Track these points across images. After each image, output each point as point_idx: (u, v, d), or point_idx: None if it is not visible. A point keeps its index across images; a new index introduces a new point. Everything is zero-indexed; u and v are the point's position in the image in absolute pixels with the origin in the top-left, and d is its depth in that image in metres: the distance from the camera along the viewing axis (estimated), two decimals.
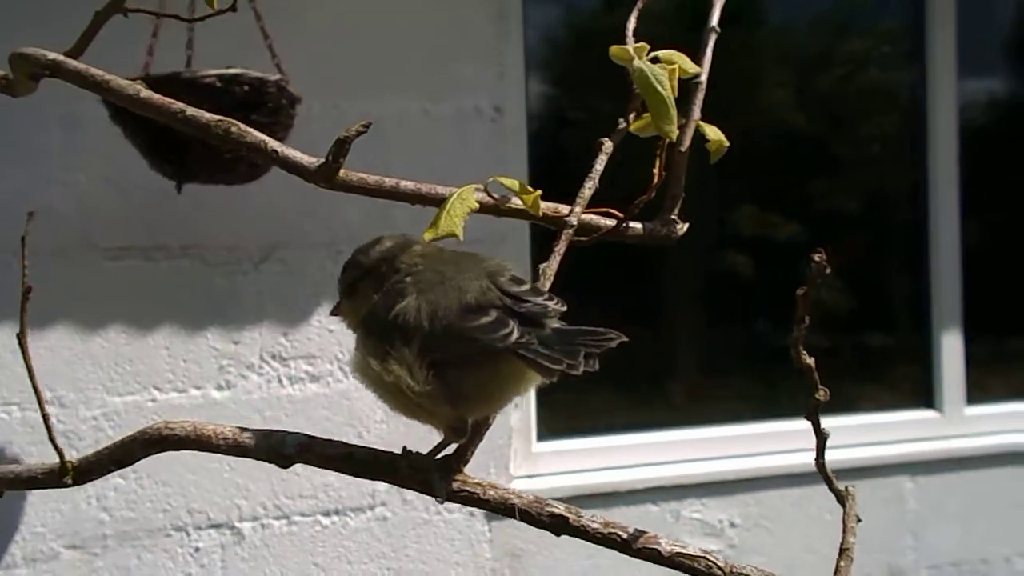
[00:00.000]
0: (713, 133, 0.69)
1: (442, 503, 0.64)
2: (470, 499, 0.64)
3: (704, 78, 0.71)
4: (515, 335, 0.58)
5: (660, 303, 2.53)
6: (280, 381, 1.92)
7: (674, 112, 0.63)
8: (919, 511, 2.41)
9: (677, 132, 0.65)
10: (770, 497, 2.27)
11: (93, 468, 0.68)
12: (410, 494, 1.99)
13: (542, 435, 2.17)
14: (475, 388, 0.61)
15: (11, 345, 1.78)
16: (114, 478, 1.82)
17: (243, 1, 1.61)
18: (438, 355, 0.60)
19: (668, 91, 0.63)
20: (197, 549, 1.88)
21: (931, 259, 2.56)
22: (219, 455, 1.78)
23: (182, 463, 1.85)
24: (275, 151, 0.68)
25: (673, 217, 0.71)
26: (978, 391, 2.58)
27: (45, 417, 0.69)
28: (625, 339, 0.57)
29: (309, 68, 1.76)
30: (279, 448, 0.66)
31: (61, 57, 0.71)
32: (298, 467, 1.90)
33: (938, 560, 2.44)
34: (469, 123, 2.05)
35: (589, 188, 0.70)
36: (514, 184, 0.68)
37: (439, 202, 0.68)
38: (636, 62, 0.64)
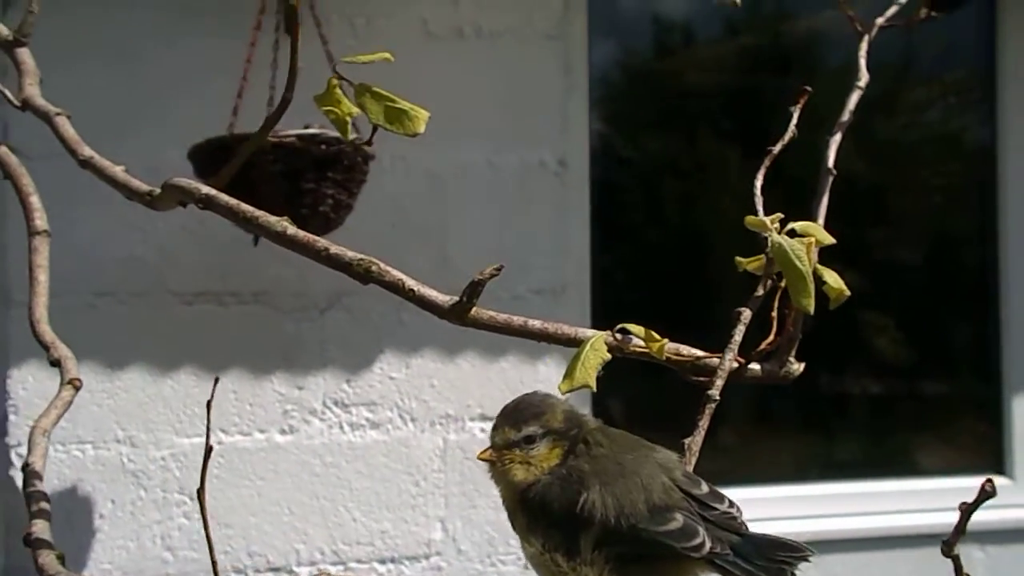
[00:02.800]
0: (833, 280, 0.68)
1: None
2: None
3: (822, 219, 0.70)
4: (708, 545, 0.57)
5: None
6: (342, 427, 1.91)
7: (812, 287, 0.63)
8: None
9: (791, 351, 0.68)
10: (828, 562, 2.18)
11: None
12: (465, 544, 1.96)
13: None
14: None
15: (88, 385, 1.81)
16: (179, 518, 1.83)
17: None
18: (620, 553, 0.57)
19: (807, 266, 0.62)
20: None
21: (1002, 314, 2.47)
22: (279, 499, 1.76)
23: (245, 506, 1.85)
24: (412, 290, 0.69)
25: (790, 359, 0.71)
26: None
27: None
28: (815, 553, 0.56)
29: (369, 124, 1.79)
30: None
31: (214, 192, 0.75)
32: (356, 513, 1.87)
33: None
34: (533, 175, 2.05)
35: (729, 360, 0.69)
36: (640, 331, 0.65)
37: (565, 341, 0.69)
38: (774, 236, 0.64)
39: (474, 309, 0.66)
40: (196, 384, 1.85)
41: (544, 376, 2.02)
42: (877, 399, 2.56)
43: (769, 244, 0.65)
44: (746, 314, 0.70)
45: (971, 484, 2.38)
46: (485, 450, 0.66)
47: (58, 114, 0.92)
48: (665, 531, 0.57)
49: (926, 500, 2.33)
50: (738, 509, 0.61)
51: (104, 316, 1.81)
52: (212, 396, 0.63)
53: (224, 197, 0.74)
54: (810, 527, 2.19)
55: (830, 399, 2.54)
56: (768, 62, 2.50)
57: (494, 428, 0.66)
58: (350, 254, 0.70)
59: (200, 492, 0.61)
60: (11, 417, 1.77)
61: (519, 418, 0.64)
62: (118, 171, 0.87)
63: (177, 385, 1.84)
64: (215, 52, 1.77)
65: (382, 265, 0.69)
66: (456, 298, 0.67)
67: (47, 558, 0.66)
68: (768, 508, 2.22)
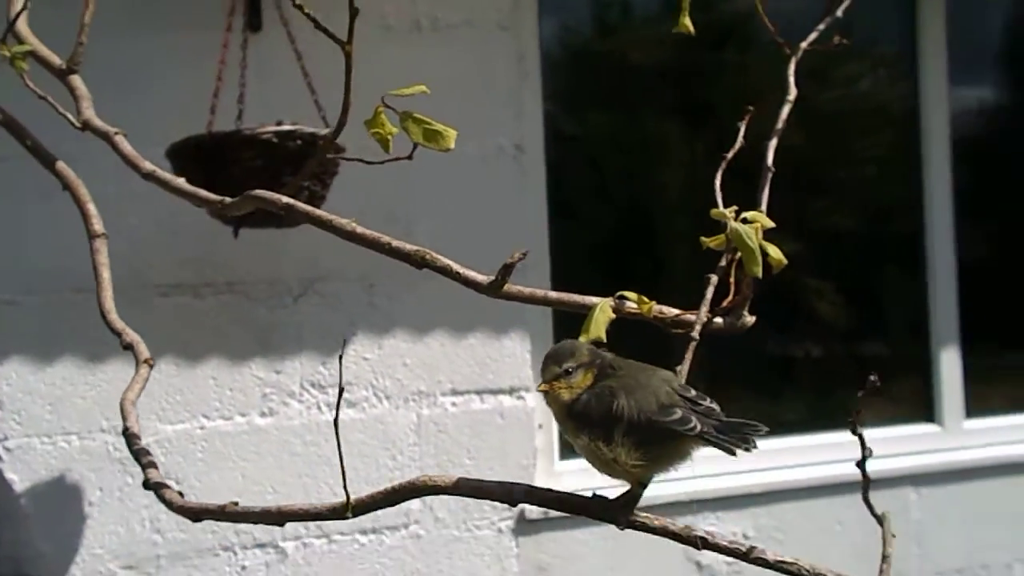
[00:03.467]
0: (775, 253, 0.88)
1: (623, 530, 0.83)
2: (643, 527, 0.83)
3: (764, 207, 0.90)
4: (699, 427, 0.79)
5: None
6: (319, 408, 2.00)
7: (760, 259, 0.83)
8: (923, 521, 2.48)
9: (744, 307, 0.89)
10: (781, 510, 2.34)
11: (367, 506, 0.85)
12: (442, 512, 2.07)
13: (564, 455, 2.24)
14: (664, 459, 0.82)
15: (71, 378, 1.86)
16: None
17: (291, 56, 1.72)
18: (643, 436, 0.80)
19: (755, 243, 0.82)
20: (244, 567, 1.95)
21: (928, 274, 2.64)
22: (262, 479, 1.84)
23: (230, 488, 1.92)
24: (458, 272, 0.91)
25: (744, 313, 0.89)
26: (977, 404, 2.65)
27: None
28: (768, 429, 0.79)
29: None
30: (511, 494, 0.83)
31: (292, 201, 0.93)
32: (337, 488, 1.97)
33: (942, 567, 2.50)
34: (491, 160, 2.14)
35: (704, 313, 0.90)
36: (634, 297, 0.87)
37: (576, 307, 0.89)
38: (732, 223, 0.83)
39: (505, 285, 0.87)
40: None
41: (509, 351, 2.12)
42: (817, 358, 2.73)
43: (728, 229, 0.84)
44: (713, 279, 0.90)
45: (906, 433, 2.56)
46: (541, 384, 0.86)
47: (116, 133, 0.99)
48: (670, 420, 0.79)
49: (872, 447, 2.50)
50: (713, 402, 0.83)
51: (83, 311, 1.85)
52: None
53: (301, 205, 0.93)
54: (762, 479, 2.35)
55: (776, 359, 2.69)
56: (708, 39, 2.61)
57: (543, 368, 0.85)
58: (408, 247, 0.89)
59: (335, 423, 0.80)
60: None
61: (559, 358, 0.84)
62: (182, 182, 0.97)
63: (158, 374, 1.88)
64: (183, 46, 1.82)
65: (433, 254, 0.90)
66: (493, 277, 0.87)
67: (171, 494, 0.78)
68: (725, 464, 2.37)
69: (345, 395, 2.01)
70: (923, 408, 2.64)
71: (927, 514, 2.49)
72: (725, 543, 0.81)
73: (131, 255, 1.87)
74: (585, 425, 0.82)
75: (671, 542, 2.35)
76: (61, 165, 1.05)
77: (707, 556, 2.25)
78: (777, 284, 2.90)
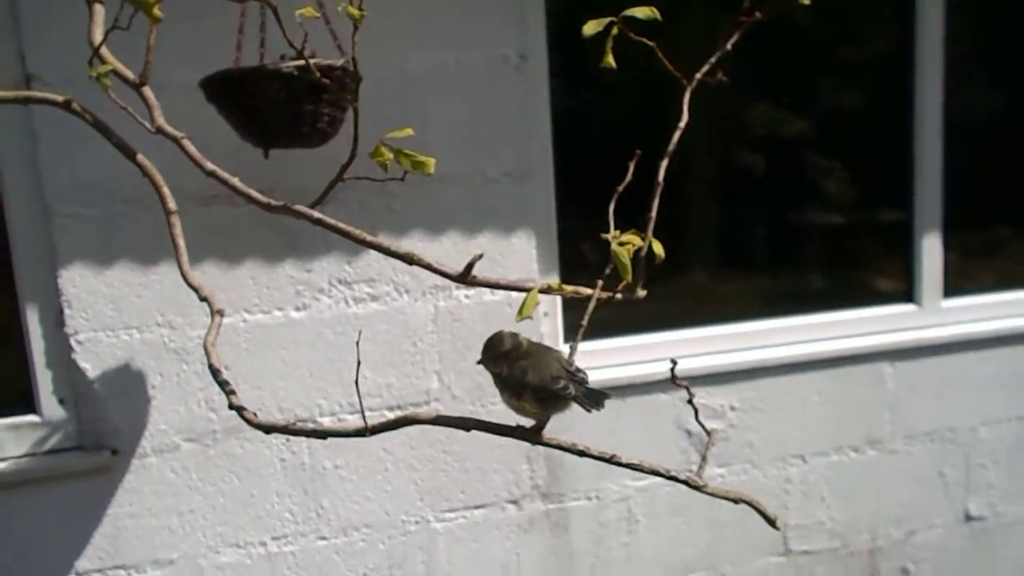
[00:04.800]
0: (658, 248, 1.17)
1: (535, 443, 1.21)
2: (548, 444, 1.21)
3: (653, 218, 1.15)
4: (572, 391, 1.17)
5: (675, 206, 2.73)
6: (347, 302, 2.22)
7: (630, 272, 1.10)
8: (897, 391, 2.71)
9: (634, 279, 1.16)
10: (764, 384, 2.58)
11: (383, 428, 1.13)
12: (458, 391, 2.32)
13: (567, 338, 2.47)
14: (552, 409, 1.20)
15: (128, 280, 2.09)
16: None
17: None
18: (541, 396, 1.19)
19: (627, 261, 1.10)
20: (288, 440, 2.23)
21: (915, 166, 2.75)
22: (300, 364, 2.09)
23: (273, 372, 2.18)
24: (430, 265, 1.20)
25: (638, 289, 1.15)
26: (955, 284, 2.82)
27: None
28: (610, 396, 1.15)
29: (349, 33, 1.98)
30: (466, 424, 1.20)
31: (321, 215, 1.31)
32: (366, 371, 2.23)
33: (912, 431, 2.75)
34: (496, 70, 2.26)
35: (598, 293, 1.20)
36: (555, 283, 1.20)
37: (521, 289, 1.22)
38: (613, 245, 1.10)
39: (471, 275, 1.14)
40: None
41: (516, 247, 2.31)
42: (804, 240, 2.86)
43: (611, 249, 1.12)
44: (599, 284, 1.21)
45: (887, 312, 2.74)
46: (479, 361, 1.27)
47: (183, 137, 1.17)
48: (556, 387, 1.17)
49: (849, 328, 2.71)
50: (585, 374, 1.22)
51: (134, 221, 2.06)
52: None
53: (331, 221, 1.22)
54: (747, 357, 2.58)
55: (763, 243, 2.85)
56: None
57: (483, 350, 1.26)
58: (401, 250, 1.20)
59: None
60: (67, 310, 2.05)
61: (494, 344, 1.25)
62: (237, 182, 1.17)
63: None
64: None
65: (418, 256, 1.18)
66: (461, 270, 1.15)
67: (248, 414, 1.03)
68: (714, 344, 2.59)
69: (369, 291, 2.23)
70: (904, 289, 2.82)
71: (901, 385, 2.71)
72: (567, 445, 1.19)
73: (173, 171, 2.05)
74: (507, 387, 1.21)
75: (663, 412, 2.62)
76: (141, 157, 1.24)
77: (695, 424, 2.51)
78: (785, 164, 2.95)
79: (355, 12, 1.04)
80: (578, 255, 2.46)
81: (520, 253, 2.33)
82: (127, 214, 2.04)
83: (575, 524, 2.48)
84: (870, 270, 2.88)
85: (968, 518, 2.85)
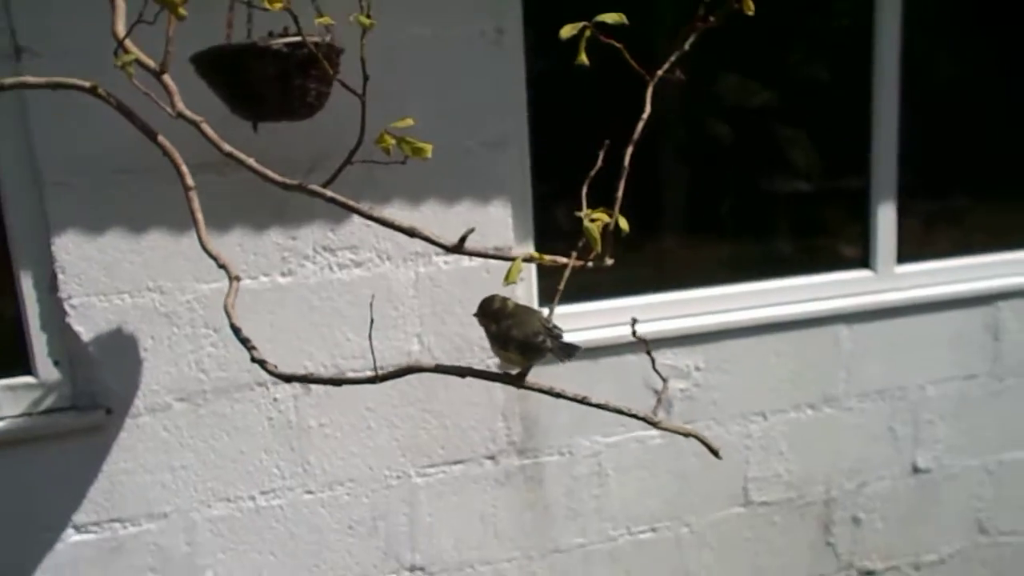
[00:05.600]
0: (624, 224, 1.30)
1: (519, 387, 1.35)
2: (529, 387, 1.39)
3: (619, 200, 1.28)
4: (549, 344, 1.35)
5: (650, 173, 2.83)
6: (331, 268, 2.31)
7: (599, 244, 1.22)
8: (852, 351, 2.86)
9: (603, 250, 1.28)
10: (727, 346, 2.72)
11: (389, 376, 1.30)
12: (437, 352, 2.42)
13: (542, 303, 2.58)
14: (534, 359, 1.38)
15: (119, 246, 2.16)
16: (208, 347, 2.25)
17: None
18: (524, 348, 1.37)
19: (597, 235, 1.20)
20: (275, 399, 2.33)
21: (872, 136, 2.88)
22: (287, 327, 2.18)
23: (261, 333, 2.25)
24: (429, 237, 1.34)
25: (606, 258, 1.28)
26: (908, 251, 2.97)
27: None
28: (580, 349, 1.33)
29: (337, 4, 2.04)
30: (462, 372, 1.37)
31: (334, 195, 1.41)
32: (350, 334, 2.33)
33: (866, 389, 2.91)
34: (474, 43, 2.34)
35: (573, 261, 1.35)
36: (537, 254, 1.36)
37: (506, 259, 1.34)
38: (585, 222, 1.23)
39: (465, 244, 1.25)
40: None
41: (493, 216, 2.41)
42: (767, 207, 2.97)
43: (583, 226, 1.24)
44: (573, 255, 1.34)
45: (844, 278, 2.88)
46: (476, 315, 1.45)
47: (202, 121, 1.26)
48: (536, 340, 1.35)
49: (808, 292, 2.85)
50: (561, 331, 1.40)
51: (124, 189, 2.12)
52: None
53: (342, 199, 1.34)
54: (712, 320, 2.71)
55: (728, 211, 2.96)
56: None
57: (479, 308, 1.44)
58: (405, 224, 1.34)
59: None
60: (60, 276, 2.12)
61: (483, 309, 1.43)
62: (253, 162, 1.27)
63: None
64: None
65: (420, 229, 1.31)
66: (457, 241, 1.27)
67: (270, 365, 1.14)
68: (681, 308, 2.72)
69: (352, 257, 2.32)
70: (859, 255, 2.97)
71: (856, 346, 2.86)
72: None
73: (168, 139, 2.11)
74: (496, 341, 1.36)
75: (632, 372, 2.75)
76: (162, 138, 1.33)
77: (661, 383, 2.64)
78: (751, 134, 3.05)
79: (365, 21, 1.14)
80: (551, 222, 2.56)
81: (496, 221, 2.42)
82: (118, 183, 2.11)
83: (549, 478, 2.61)
84: (829, 236, 3.01)
85: (916, 470, 3.03)
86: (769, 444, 2.84)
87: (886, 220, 2.91)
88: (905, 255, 2.96)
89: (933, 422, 3.01)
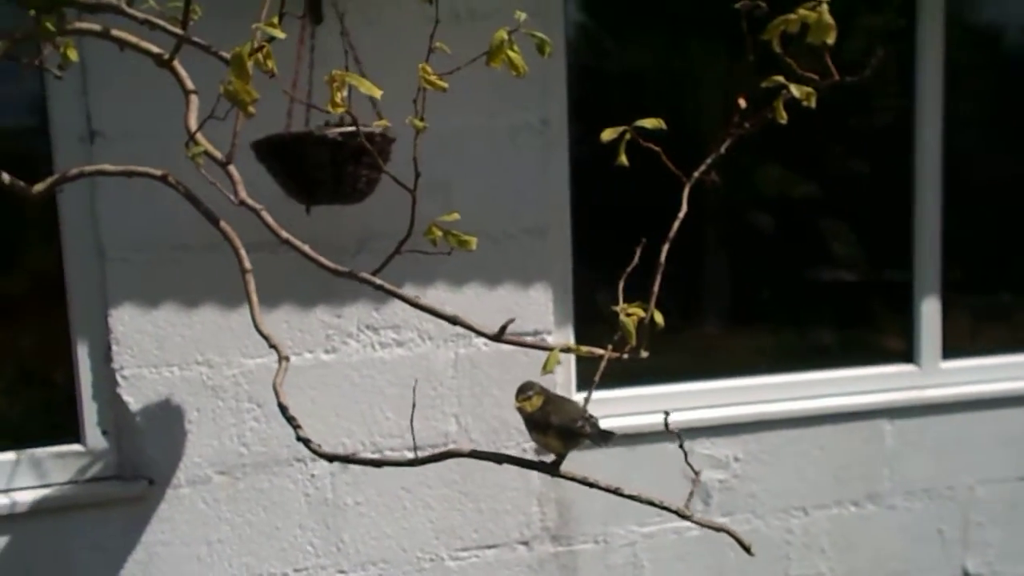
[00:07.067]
0: (659, 318, 1.36)
1: (552, 476, 1.36)
2: (564, 476, 1.36)
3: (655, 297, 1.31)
4: (588, 429, 1.35)
5: (694, 262, 2.86)
6: (373, 347, 2.35)
7: (634, 336, 1.23)
8: (896, 448, 2.80)
9: (638, 343, 1.29)
10: (767, 437, 2.68)
11: (428, 460, 1.34)
12: (475, 434, 2.43)
13: (580, 387, 2.58)
14: (572, 445, 1.38)
15: (171, 320, 2.23)
16: (251, 422, 2.28)
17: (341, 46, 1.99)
18: (563, 433, 1.37)
19: (632, 329, 1.23)
20: (313, 475, 2.35)
21: (915, 230, 2.87)
22: (328, 404, 2.20)
23: (302, 410, 2.27)
24: (471, 326, 1.41)
25: (642, 351, 1.28)
26: (953, 346, 2.92)
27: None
28: (616, 435, 1.35)
29: (392, 95, 2.14)
30: (499, 458, 1.38)
31: (383, 283, 1.49)
32: (388, 413, 2.35)
33: (911, 487, 2.83)
34: (520, 134, 2.41)
35: (602, 368, 1.39)
36: (574, 345, 1.43)
37: (543, 348, 1.39)
38: (621, 317, 1.26)
39: (504, 334, 1.30)
40: None
41: (534, 299, 2.44)
42: (806, 299, 2.96)
43: (619, 320, 1.28)
44: (609, 348, 1.36)
45: (888, 372, 2.84)
46: (516, 402, 1.44)
47: (262, 209, 1.35)
48: (576, 426, 1.35)
49: (850, 385, 2.81)
50: (596, 419, 1.38)
51: (178, 266, 2.21)
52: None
53: (390, 287, 1.42)
54: (751, 410, 2.68)
55: (770, 301, 2.96)
56: None
57: (518, 392, 1.41)
58: (448, 312, 1.40)
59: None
60: (114, 347, 2.19)
61: (525, 389, 1.40)
62: (308, 249, 1.40)
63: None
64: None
65: (463, 318, 1.37)
66: (497, 330, 1.32)
67: (314, 445, 1.17)
68: (719, 398, 2.69)
69: (395, 336, 2.36)
70: (904, 350, 2.92)
71: (900, 442, 2.80)
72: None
73: (227, 221, 2.20)
74: (535, 427, 1.36)
75: (670, 461, 2.70)
76: (224, 223, 1.41)
77: (706, 469, 2.61)
78: (793, 225, 3.07)
79: (419, 124, 1.21)
80: (592, 307, 2.58)
81: (537, 304, 2.45)
82: (174, 260, 2.19)
83: (583, 566, 2.56)
84: (872, 329, 2.99)
85: (966, 575, 2.91)
86: (811, 541, 2.76)
87: (931, 314, 2.88)
88: (951, 350, 2.91)
89: (984, 525, 2.90)
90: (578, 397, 2.45)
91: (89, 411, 2.22)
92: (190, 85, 1.38)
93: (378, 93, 1.22)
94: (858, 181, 2.95)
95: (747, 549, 1.25)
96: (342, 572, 2.39)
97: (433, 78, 1.25)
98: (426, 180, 2.33)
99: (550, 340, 2.46)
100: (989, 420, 2.87)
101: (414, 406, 1.58)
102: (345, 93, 1.18)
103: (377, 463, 1.33)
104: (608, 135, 1.29)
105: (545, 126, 2.43)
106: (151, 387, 2.22)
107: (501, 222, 2.41)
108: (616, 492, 1.29)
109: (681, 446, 1.46)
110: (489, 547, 2.49)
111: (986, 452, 2.87)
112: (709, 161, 1.30)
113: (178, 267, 2.20)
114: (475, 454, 1.33)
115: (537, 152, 2.42)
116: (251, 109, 1.15)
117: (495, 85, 2.37)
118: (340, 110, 1.15)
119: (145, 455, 2.23)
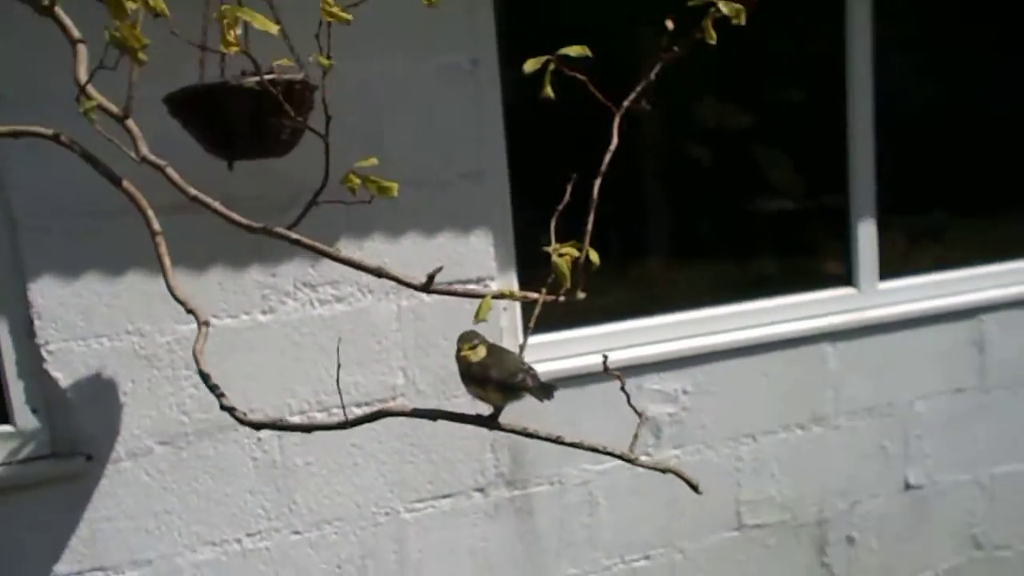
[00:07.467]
0: (594, 257, 1.33)
1: (491, 430, 1.39)
2: (503, 428, 1.38)
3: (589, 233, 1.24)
4: (528, 383, 1.35)
5: (631, 198, 2.83)
6: (312, 304, 2.28)
7: (568, 279, 1.21)
8: (838, 370, 2.85)
9: (574, 284, 1.27)
10: (714, 368, 2.70)
11: (360, 421, 1.28)
12: (423, 385, 2.39)
13: (526, 332, 2.55)
14: (511, 398, 1.37)
15: (96, 290, 2.13)
16: (189, 389, 2.21)
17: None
18: (503, 387, 1.36)
19: (566, 271, 1.20)
20: (259, 439, 2.29)
21: (849, 155, 2.88)
22: (269, 365, 2.14)
23: (242, 373, 2.23)
24: (397, 277, 1.34)
25: (578, 292, 1.26)
26: (889, 267, 2.97)
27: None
28: (558, 388, 1.34)
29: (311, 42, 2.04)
30: (434, 416, 1.33)
31: (300, 237, 1.42)
32: (332, 370, 2.29)
33: (854, 407, 2.89)
34: (450, 76, 2.33)
35: (536, 313, 1.35)
36: (507, 290, 1.37)
37: (476, 296, 1.32)
38: (553, 257, 1.22)
39: (433, 283, 1.25)
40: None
41: (474, 246, 2.39)
42: (745, 230, 2.97)
43: (552, 261, 1.25)
44: (543, 291, 1.33)
45: (827, 296, 2.87)
46: (458, 351, 1.41)
47: (166, 165, 1.25)
48: (515, 380, 1.35)
49: (793, 311, 2.84)
50: (535, 371, 1.38)
51: (103, 232, 2.09)
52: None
53: (308, 241, 1.36)
54: (697, 343, 2.69)
55: (709, 232, 2.95)
56: None
57: (459, 342, 1.39)
58: (370, 264, 1.34)
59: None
60: (36, 321, 2.08)
61: (467, 339, 1.40)
62: (219, 205, 1.28)
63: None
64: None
65: (388, 268, 1.33)
66: (424, 280, 1.28)
67: (239, 413, 1.10)
68: (665, 332, 2.70)
69: (334, 292, 2.30)
70: (843, 274, 2.96)
71: (842, 364, 2.85)
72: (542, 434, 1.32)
73: (142, 184, 2.09)
74: (472, 381, 1.34)
75: (620, 399, 2.69)
76: (127, 183, 1.31)
77: (651, 409, 2.63)
78: (730, 156, 3.06)
79: (324, 61, 1.14)
80: (534, 251, 2.53)
81: (478, 251, 2.41)
82: (93, 227, 2.08)
83: (539, 508, 2.58)
84: (811, 256, 3.01)
85: (908, 487, 3.01)
86: (760, 466, 2.82)
87: (867, 237, 2.91)
88: (888, 272, 2.96)
89: (923, 437, 2.99)
90: (531, 341, 2.45)
91: (16, 390, 2.12)
92: (76, 34, 1.28)
93: (275, 29, 1.13)
94: (792, 108, 2.93)
95: (695, 488, 1.25)
96: (297, 533, 2.35)
97: (335, 9, 1.15)
98: (357, 129, 2.27)
99: (493, 286, 2.43)
100: (926, 337, 2.93)
101: (339, 366, 1.54)
102: (239, 31, 1.09)
103: (306, 428, 1.29)
104: (531, 66, 1.23)
105: (475, 66, 2.35)
106: (80, 360, 2.12)
107: (436, 169, 2.34)
108: (557, 440, 1.27)
109: (623, 388, 1.45)
110: (444, 496, 2.48)
111: (923, 368, 2.94)
112: (639, 89, 1.26)
113: (98, 234, 2.09)
114: (413, 412, 1.30)
115: (469, 94, 2.35)
116: (142, 56, 1.06)
117: (422, 27, 2.28)
118: (233, 49, 1.07)
119: (80, 431, 2.14)
